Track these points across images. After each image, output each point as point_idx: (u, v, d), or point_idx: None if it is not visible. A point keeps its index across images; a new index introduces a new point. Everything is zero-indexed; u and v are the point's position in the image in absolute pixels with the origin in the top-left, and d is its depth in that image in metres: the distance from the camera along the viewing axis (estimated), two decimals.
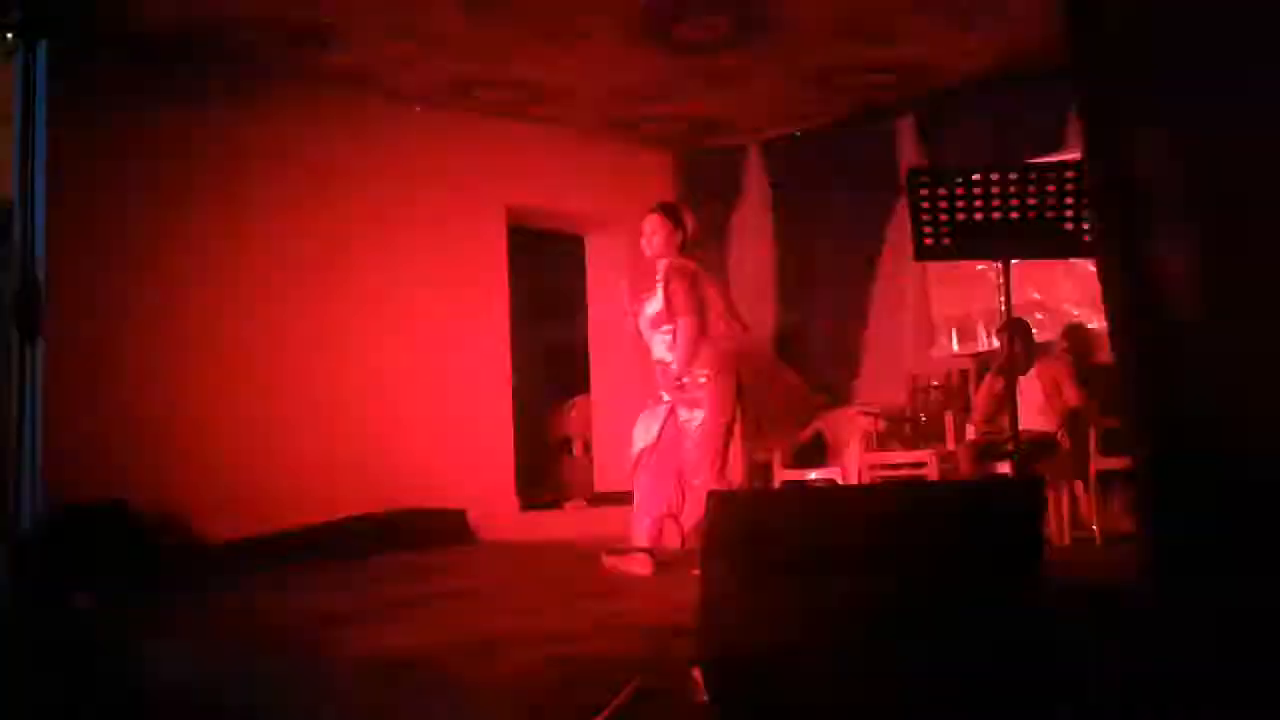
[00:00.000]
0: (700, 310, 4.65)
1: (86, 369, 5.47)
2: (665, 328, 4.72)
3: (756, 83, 6.70)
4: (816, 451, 6.93)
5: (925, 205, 3.76)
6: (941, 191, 3.73)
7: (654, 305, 4.76)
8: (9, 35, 5.56)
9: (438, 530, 6.37)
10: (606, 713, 2.58)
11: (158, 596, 4.66)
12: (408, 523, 6.24)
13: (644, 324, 4.84)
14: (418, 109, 6.88)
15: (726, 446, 4.70)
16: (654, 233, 4.79)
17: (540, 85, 6.72)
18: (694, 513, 4.58)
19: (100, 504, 5.08)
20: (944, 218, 3.75)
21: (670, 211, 4.88)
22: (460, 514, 6.63)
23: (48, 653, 4.04)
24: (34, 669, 3.92)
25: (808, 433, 7.09)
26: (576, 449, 8.44)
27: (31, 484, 5.24)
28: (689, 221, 4.86)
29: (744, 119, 7.46)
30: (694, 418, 4.66)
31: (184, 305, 5.84)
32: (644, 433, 4.79)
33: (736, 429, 4.81)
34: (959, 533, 2.40)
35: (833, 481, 6.38)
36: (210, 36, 5.75)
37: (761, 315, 7.81)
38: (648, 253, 4.84)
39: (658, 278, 4.80)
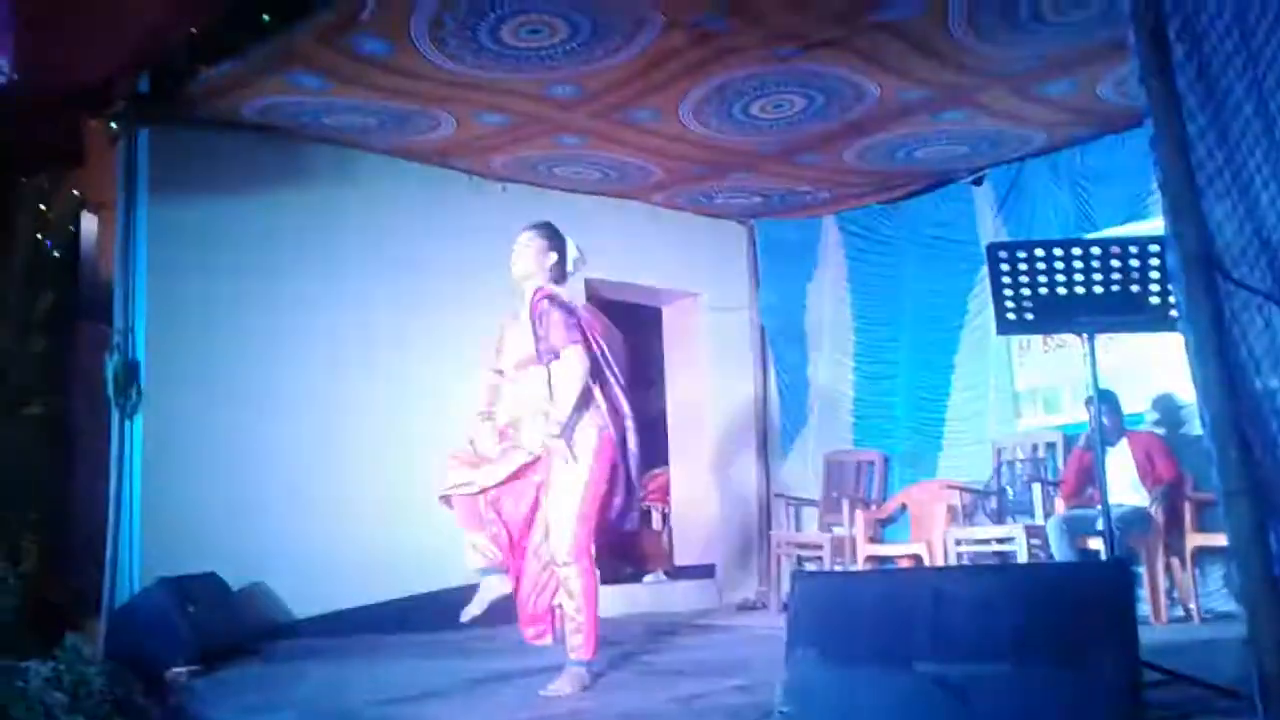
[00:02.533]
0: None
1: (182, 444, 5.60)
2: (532, 367, 4.12)
3: (832, 155, 6.75)
4: (900, 527, 6.83)
5: (1006, 279, 3.73)
6: (1023, 266, 3.70)
7: (516, 343, 4.20)
8: (112, 124, 5.87)
9: (503, 607, 6.31)
10: None
11: (249, 669, 4.74)
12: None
13: (508, 370, 4.30)
14: (502, 189, 7.04)
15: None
16: (520, 251, 4.21)
17: (619, 162, 6.85)
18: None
19: (193, 577, 5.19)
20: (1026, 291, 3.72)
21: (544, 230, 4.26)
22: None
23: None
24: None
25: (891, 506, 7.01)
26: (655, 521, 8.43)
27: (129, 557, 5.41)
28: (569, 249, 4.26)
29: (819, 190, 7.51)
30: (566, 480, 3.99)
31: (275, 381, 5.97)
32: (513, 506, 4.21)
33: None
34: (1048, 618, 2.36)
35: (917, 560, 6.26)
36: (305, 119, 5.97)
37: (839, 385, 7.83)
38: (513, 273, 4.24)
39: (524, 310, 4.19)
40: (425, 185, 6.76)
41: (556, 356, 4.04)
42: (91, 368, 5.85)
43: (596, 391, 4.07)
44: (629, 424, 4.13)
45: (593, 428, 4.03)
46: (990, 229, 6.91)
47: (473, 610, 4.14)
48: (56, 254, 6.67)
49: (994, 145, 6.68)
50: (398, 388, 6.38)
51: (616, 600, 6.79)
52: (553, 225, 4.32)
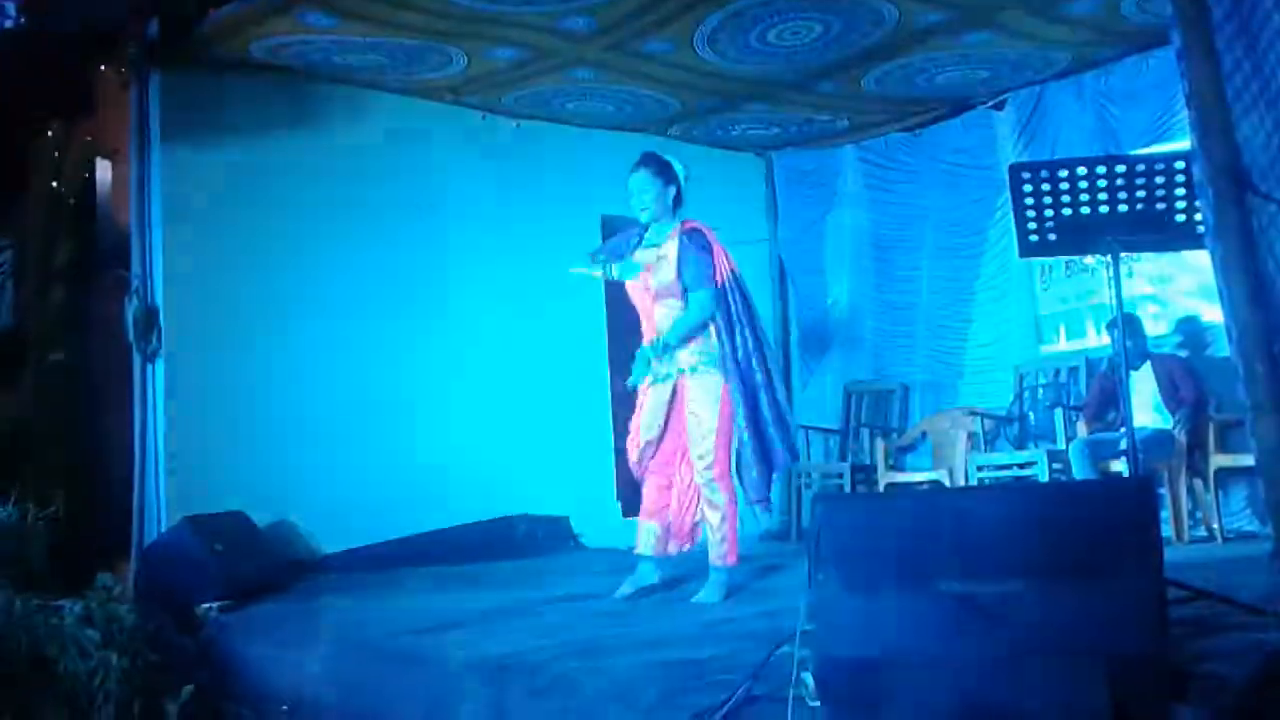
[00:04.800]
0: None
1: (204, 386, 5.65)
2: (671, 301, 4.28)
3: (850, 82, 6.64)
4: (921, 455, 6.82)
5: (1028, 200, 3.68)
6: (1046, 186, 3.65)
7: (661, 273, 4.26)
8: (123, 70, 5.83)
9: (542, 536, 6.44)
10: (718, 717, 2.60)
11: (276, 605, 4.82)
12: (512, 529, 6.34)
13: (638, 292, 4.38)
14: (516, 124, 6.99)
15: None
16: (643, 191, 4.28)
17: (633, 95, 6.76)
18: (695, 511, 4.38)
19: (221, 515, 5.26)
20: (1048, 212, 3.67)
21: (655, 166, 4.32)
22: (564, 520, 6.69)
23: (177, 659, 4.21)
24: (163, 675, 4.08)
25: (912, 435, 7.00)
26: None
27: (156, 497, 5.48)
28: (679, 174, 4.37)
29: (838, 119, 7.41)
30: (699, 401, 4.23)
31: (295, 321, 5.99)
32: (649, 423, 4.37)
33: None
34: (1072, 535, 2.35)
35: (939, 484, 6.27)
36: (316, 59, 5.91)
37: (859, 315, 7.80)
38: (641, 214, 4.33)
39: (655, 240, 4.32)
40: (438, 123, 6.70)
41: (687, 292, 4.23)
42: (112, 314, 5.87)
43: (719, 337, 4.24)
44: (762, 396, 4.26)
45: (712, 375, 4.23)
46: (1012, 154, 6.81)
47: (626, 590, 4.39)
48: (73, 202, 6.67)
49: (1015, 68, 6.56)
50: (415, 324, 6.39)
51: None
52: (659, 157, 4.40)
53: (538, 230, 6.86)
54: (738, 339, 4.24)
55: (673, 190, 4.33)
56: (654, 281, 4.29)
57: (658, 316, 4.31)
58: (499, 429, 6.51)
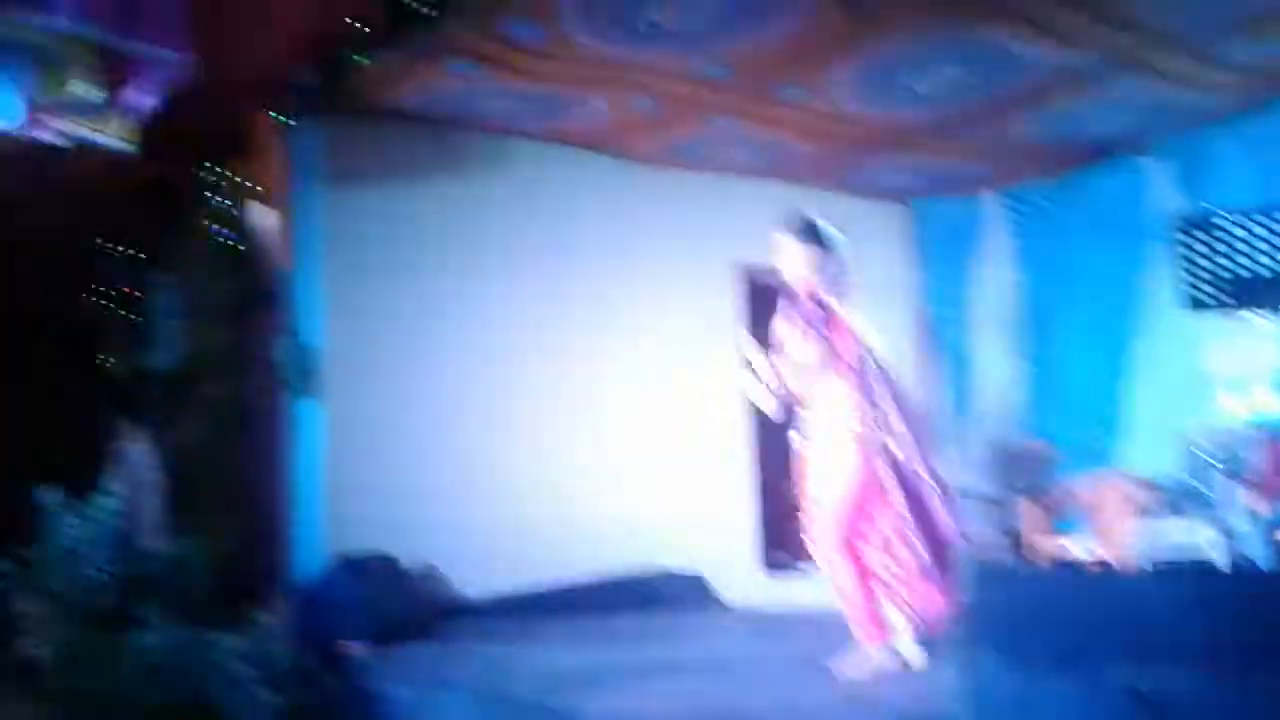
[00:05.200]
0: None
1: (357, 427, 5.81)
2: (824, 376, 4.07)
3: (995, 128, 6.51)
4: (1072, 521, 6.50)
5: (1198, 254, 3.53)
6: (1218, 237, 3.49)
7: (808, 348, 4.08)
8: (279, 116, 6.09)
9: (681, 593, 6.37)
10: None
11: (420, 648, 4.90)
12: (651, 584, 6.30)
13: (787, 368, 4.15)
14: (649, 171, 7.04)
15: None
16: (794, 258, 4.12)
17: (770, 143, 6.74)
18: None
19: (371, 557, 5.40)
20: (1221, 265, 3.50)
21: (814, 234, 4.14)
22: (702, 577, 6.62)
23: (325, 697, 4.32)
24: (311, 713, 4.19)
25: (1062, 499, 6.68)
26: None
27: (310, 537, 5.65)
28: (836, 243, 4.15)
29: (982, 167, 7.25)
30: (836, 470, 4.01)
31: (447, 364, 6.15)
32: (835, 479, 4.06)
33: None
34: (1254, 625, 2.23)
35: (1102, 560, 5.90)
36: (462, 106, 6.07)
37: (1006, 370, 7.56)
38: (790, 283, 4.15)
39: (803, 314, 4.14)
40: (577, 170, 6.81)
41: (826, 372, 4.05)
42: (269, 354, 6.10)
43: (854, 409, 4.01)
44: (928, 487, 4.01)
45: (851, 442, 4.00)
46: (1169, 204, 6.50)
47: (851, 673, 3.91)
48: (231, 244, 6.97)
49: (1171, 114, 6.29)
50: (561, 369, 6.49)
51: (781, 593, 6.73)
52: (814, 224, 4.18)
53: (674, 276, 6.91)
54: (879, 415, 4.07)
55: (831, 259, 4.15)
56: (812, 355, 4.13)
57: (823, 388, 4.13)
58: (639, 479, 6.55)
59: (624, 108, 6.17)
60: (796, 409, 4.22)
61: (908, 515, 4.00)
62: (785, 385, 4.19)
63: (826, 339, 4.08)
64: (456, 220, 6.34)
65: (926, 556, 3.95)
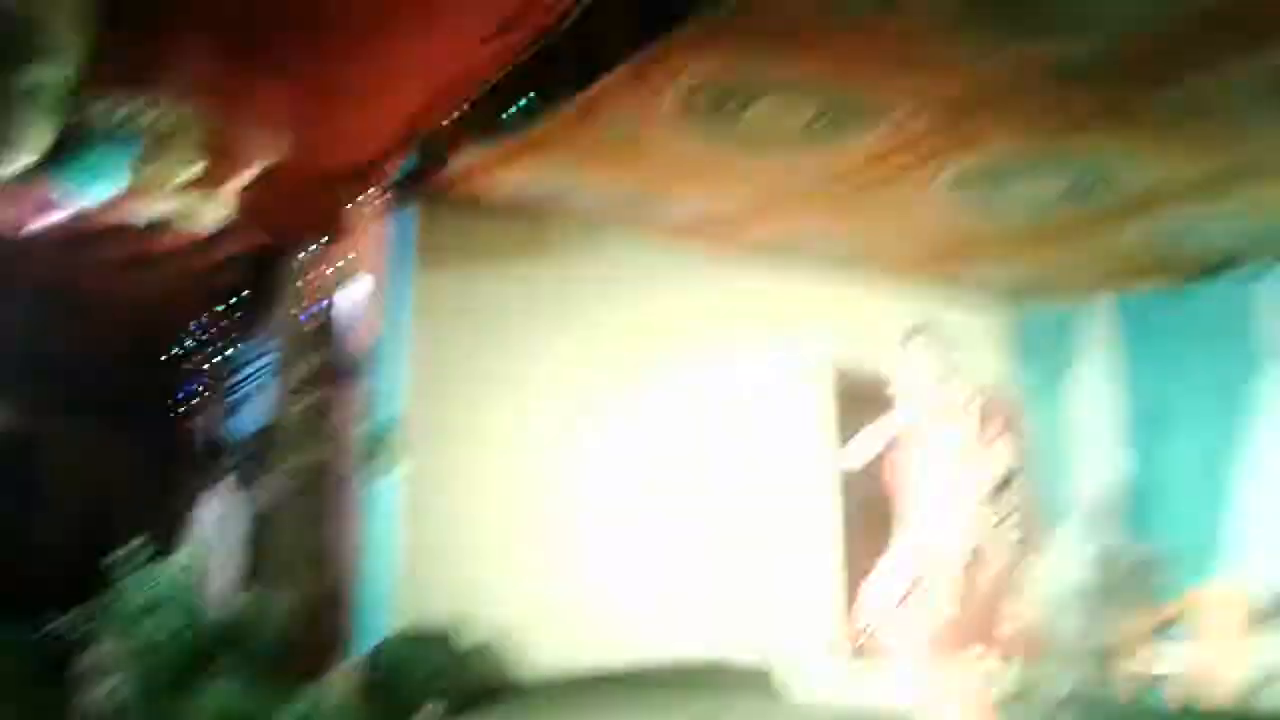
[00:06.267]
0: None
1: (434, 501, 5.86)
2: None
3: (1101, 236, 6.42)
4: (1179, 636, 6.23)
5: None
6: None
7: (956, 439, 4.20)
8: (375, 199, 6.32)
9: (744, 683, 6.27)
10: None
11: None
12: (722, 670, 6.21)
13: (928, 463, 4.27)
14: (739, 263, 7.09)
15: None
16: (920, 364, 4.36)
17: (867, 241, 6.75)
18: None
19: (443, 625, 5.38)
20: None
21: (936, 339, 4.41)
22: (769, 668, 6.50)
23: None
24: None
25: (1170, 611, 6.41)
26: None
27: (380, 603, 5.70)
28: (949, 353, 4.37)
29: (1083, 275, 7.16)
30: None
31: (521, 445, 6.21)
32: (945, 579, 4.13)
33: None
34: None
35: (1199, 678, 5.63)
36: (557, 195, 6.19)
37: (1109, 477, 7.34)
38: (914, 389, 4.34)
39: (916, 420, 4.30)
40: (669, 258, 6.89)
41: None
42: (349, 425, 6.24)
43: None
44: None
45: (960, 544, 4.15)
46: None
47: None
48: (322, 318, 7.19)
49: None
50: (648, 452, 6.55)
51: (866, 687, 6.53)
52: (933, 332, 4.38)
53: (761, 365, 6.99)
54: None
55: (948, 365, 4.32)
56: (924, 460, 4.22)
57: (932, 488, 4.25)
58: (719, 563, 6.52)
59: (716, 202, 6.24)
60: (901, 507, 4.25)
61: (1008, 621, 4.05)
62: (890, 483, 4.30)
63: (938, 446, 4.20)
64: (542, 302, 6.45)
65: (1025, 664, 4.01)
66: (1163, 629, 6.31)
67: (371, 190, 6.29)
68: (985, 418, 4.20)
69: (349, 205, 6.52)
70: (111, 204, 4.81)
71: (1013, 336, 7.98)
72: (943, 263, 7.13)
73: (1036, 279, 7.39)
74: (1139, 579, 6.66)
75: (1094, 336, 7.64)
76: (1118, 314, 7.52)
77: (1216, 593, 6.13)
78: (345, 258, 6.97)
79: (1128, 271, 7.06)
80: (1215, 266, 6.85)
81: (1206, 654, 5.79)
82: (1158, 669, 5.87)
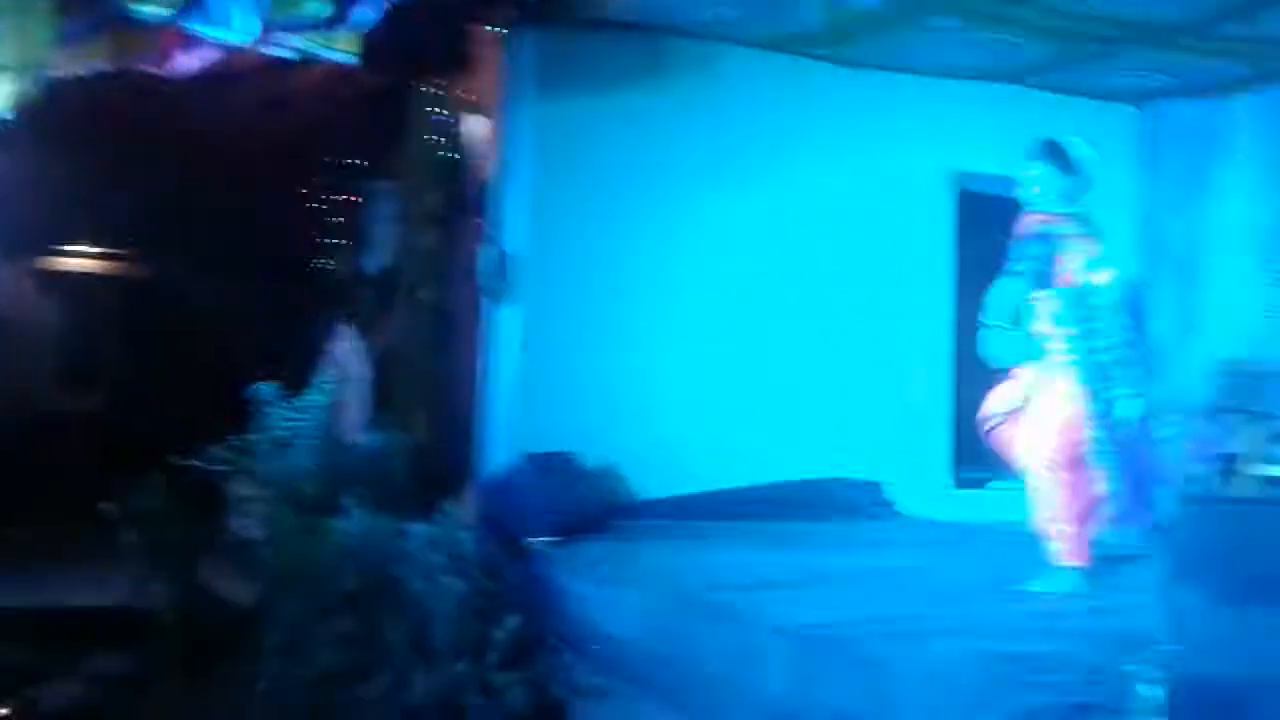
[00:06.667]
0: None
1: (551, 331, 5.89)
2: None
3: (1257, 22, 5.74)
4: None
5: None
6: None
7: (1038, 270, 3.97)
8: (496, 28, 6.14)
9: (859, 501, 6.25)
10: None
11: (599, 545, 4.97)
12: (827, 491, 6.19)
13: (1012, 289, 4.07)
14: (865, 76, 6.72)
15: None
16: (1044, 184, 4.02)
17: (998, 42, 6.26)
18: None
19: (557, 455, 5.50)
20: None
21: (1061, 156, 4.04)
22: (880, 485, 6.47)
23: (508, 586, 4.43)
24: (494, 603, 4.30)
25: None
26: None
27: (500, 432, 5.81)
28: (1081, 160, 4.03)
29: (1237, 66, 6.49)
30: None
31: (642, 272, 6.15)
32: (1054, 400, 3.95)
33: None
34: None
35: None
36: (673, 15, 5.95)
37: (1243, 285, 6.88)
38: (1036, 208, 4.06)
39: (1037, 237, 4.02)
40: (790, 76, 6.56)
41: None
42: (473, 260, 6.25)
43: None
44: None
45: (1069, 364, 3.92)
46: None
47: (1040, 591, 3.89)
48: (445, 154, 7.16)
49: None
50: (765, 278, 6.39)
51: (970, 507, 6.50)
52: (1064, 148, 4.06)
53: (887, 183, 6.68)
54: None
55: (1085, 183, 4.03)
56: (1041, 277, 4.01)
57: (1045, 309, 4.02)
58: (827, 386, 6.42)
59: (841, 9, 5.85)
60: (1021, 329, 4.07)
61: (1119, 439, 3.81)
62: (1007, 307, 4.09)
63: (1057, 261, 3.97)
64: (664, 129, 6.26)
65: (1135, 479, 3.77)
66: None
67: (494, 18, 6.12)
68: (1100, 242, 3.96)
69: (472, 36, 6.39)
70: (248, 43, 4.85)
71: (1147, 139, 7.38)
72: (1075, 64, 6.58)
73: (1176, 77, 6.77)
74: (1264, 392, 6.34)
75: (1238, 137, 7.02)
76: (1266, 107, 6.87)
77: None
78: (470, 90, 6.88)
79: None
80: None
81: None
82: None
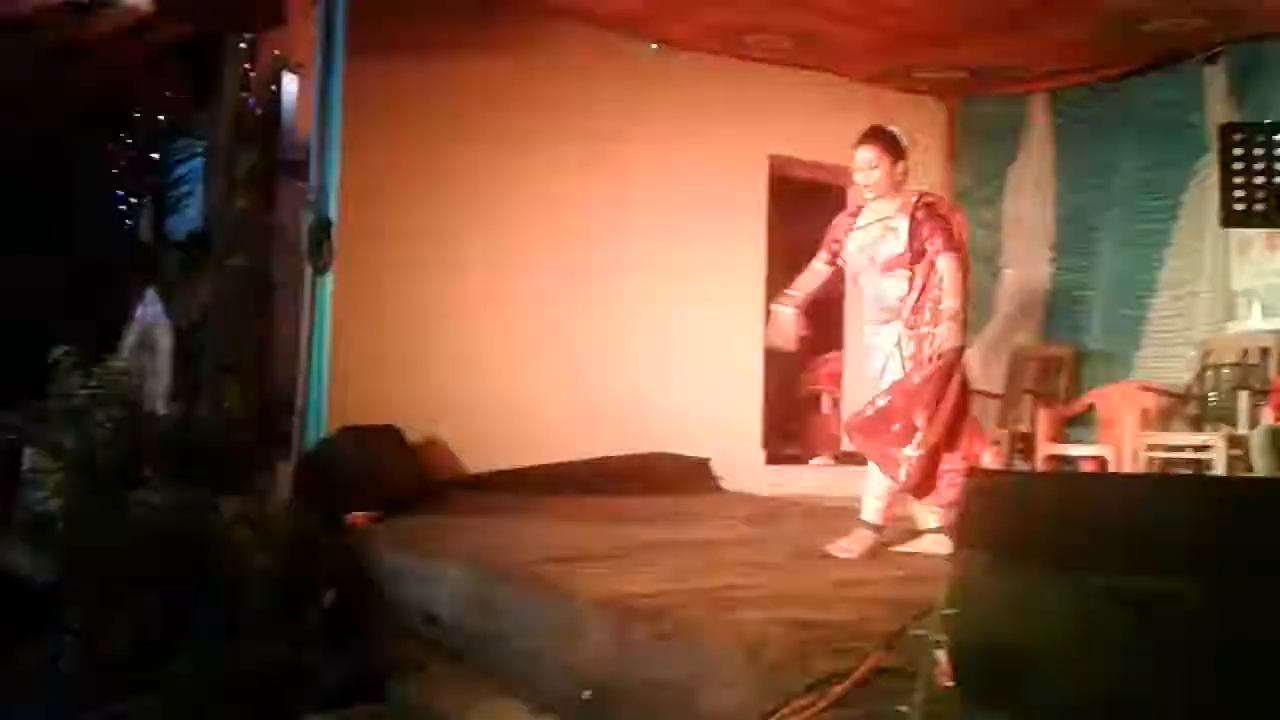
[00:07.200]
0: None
1: (371, 300, 5.80)
2: (899, 271, 4.22)
3: (1051, 26, 6.21)
4: (1086, 428, 6.49)
5: (1239, 165, 3.38)
6: (1260, 151, 3.34)
7: (887, 246, 4.24)
8: None
9: (681, 476, 6.42)
10: (845, 685, 2.51)
11: (422, 519, 4.95)
12: (652, 466, 6.33)
13: (862, 264, 4.35)
14: (684, 56, 6.85)
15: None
16: (873, 167, 4.25)
17: (813, 32, 6.51)
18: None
19: (376, 428, 5.41)
20: (1260, 180, 3.36)
21: (886, 143, 4.27)
22: (704, 462, 6.67)
23: (324, 564, 4.37)
24: (309, 579, 4.23)
25: (1079, 405, 6.65)
26: (826, 405, 8.28)
27: (318, 405, 5.68)
28: (907, 147, 4.31)
29: (1032, 65, 6.97)
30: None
31: (463, 242, 6.09)
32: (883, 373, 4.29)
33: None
34: (1250, 535, 2.15)
35: (1102, 464, 5.93)
36: None
37: (1034, 274, 7.42)
38: (867, 190, 4.32)
39: (883, 215, 4.28)
40: (611, 52, 6.63)
41: (924, 259, 4.19)
42: (289, 224, 6.06)
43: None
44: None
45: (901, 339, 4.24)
46: (1221, 113, 6.27)
47: (847, 549, 4.21)
48: (259, 113, 6.88)
49: (1234, 19, 6.01)
50: (575, 254, 6.43)
51: (780, 480, 6.79)
52: (892, 134, 4.31)
53: (703, 165, 6.80)
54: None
55: (900, 166, 4.27)
56: (881, 255, 4.28)
57: (884, 288, 4.30)
58: (646, 366, 6.53)
59: None
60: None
61: (939, 409, 4.16)
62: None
63: (883, 241, 4.27)
64: (478, 95, 6.20)
65: (951, 451, 4.18)
66: (1073, 421, 6.56)
67: None
68: (930, 223, 4.20)
69: None
70: None
71: (954, 136, 7.85)
72: (883, 56, 6.91)
73: (978, 73, 7.22)
74: (1055, 374, 6.83)
75: (1032, 130, 7.54)
76: (1058, 106, 7.42)
77: (1121, 389, 6.41)
78: (283, 46, 6.64)
79: (1070, 63, 6.93)
80: (1159, 60, 6.72)
81: (1110, 445, 6.15)
82: (1068, 452, 6.32)
